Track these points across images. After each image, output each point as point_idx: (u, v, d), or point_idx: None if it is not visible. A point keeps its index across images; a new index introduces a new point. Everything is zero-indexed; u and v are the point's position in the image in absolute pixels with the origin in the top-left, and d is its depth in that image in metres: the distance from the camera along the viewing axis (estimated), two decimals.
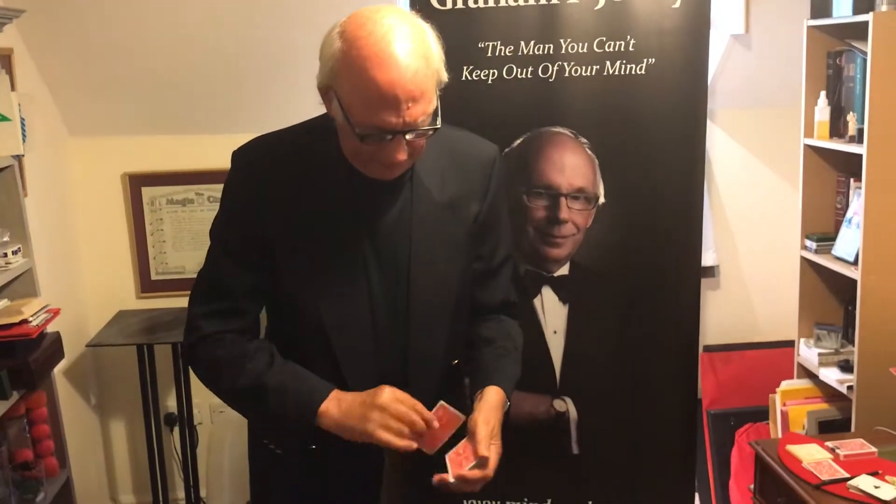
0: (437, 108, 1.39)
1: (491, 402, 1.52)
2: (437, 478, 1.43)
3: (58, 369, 2.87)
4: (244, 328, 1.51)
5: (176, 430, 3.18)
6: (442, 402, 1.47)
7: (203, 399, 3.26)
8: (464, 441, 1.48)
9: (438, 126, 1.40)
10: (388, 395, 1.43)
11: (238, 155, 1.52)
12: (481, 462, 1.45)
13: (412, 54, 1.33)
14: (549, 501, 2.91)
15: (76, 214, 3.19)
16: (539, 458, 2.85)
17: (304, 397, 1.45)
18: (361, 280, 1.50)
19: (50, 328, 2.34)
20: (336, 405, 1.44)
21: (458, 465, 1.44)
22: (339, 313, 1.49)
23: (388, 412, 1.42)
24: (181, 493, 3.24)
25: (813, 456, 2.12)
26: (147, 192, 3.21)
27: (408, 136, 1.37)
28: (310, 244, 1.47)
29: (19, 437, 2.06)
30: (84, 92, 3.02)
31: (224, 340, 1.49)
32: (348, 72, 1.33)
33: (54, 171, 3.05)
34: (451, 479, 1.42)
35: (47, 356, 2.04)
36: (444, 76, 1.41)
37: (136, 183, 3.20)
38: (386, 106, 1.32)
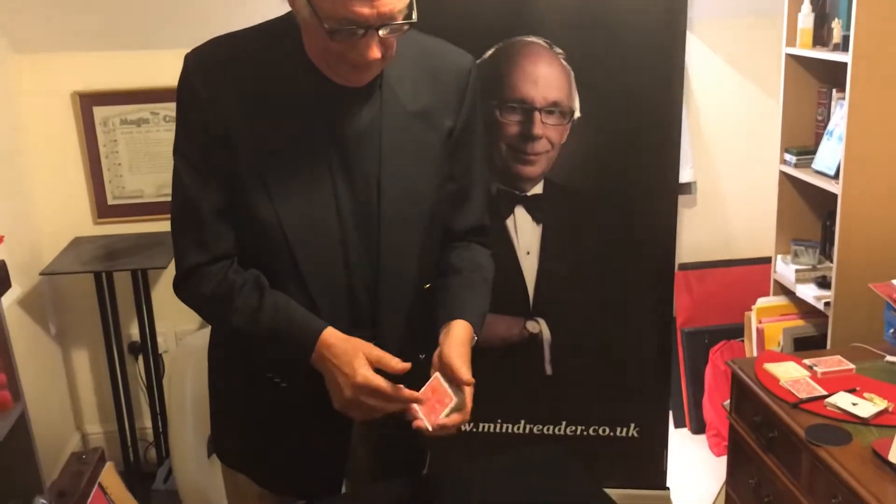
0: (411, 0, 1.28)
1: (459, 338, 1.43)
2: (415, 425, 1.34)
3: (10, 299, 2.77)
4: (224, 253, 1.42)
5: (141, 358, 3.09)
6: (437, 375, 1.39)
7: (168, 327, 3.17)
8: (433, 381, 1.38)
9: (414, 20, 1.29)
10: (361, 383, 1.34)
11: (193, 57, 1.39)
12: (459, 404, 1.36)
13: None
14: (522, 422, 2.89)
15: (24, 137, 3.02)
16: (512, 380, 2.81)
17: (296, 342, 1.39)
18: (328, 192, 1.39)
19: None
20: (327, 351, 1.37)
21: (433, 411, 1.35)
22: (303, 227, 1.39)
23: (363, 401, 1.35)
24: (148, 422, 3.18)
25: (790, 374, 2.08)
26: (99, 112, 3.04)
27: (381, 32, 1.26)
28: (272, 154, 1.37)
29: None
30: (29, 4, 2.82)
31: (207, 274, 1.41)
32: None
33: None
34: (430, 429, 1.33)
35: None
36: None
37: (88, 102, 3.03)
38: None
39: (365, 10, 1.23)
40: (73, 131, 3.05)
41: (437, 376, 1.38)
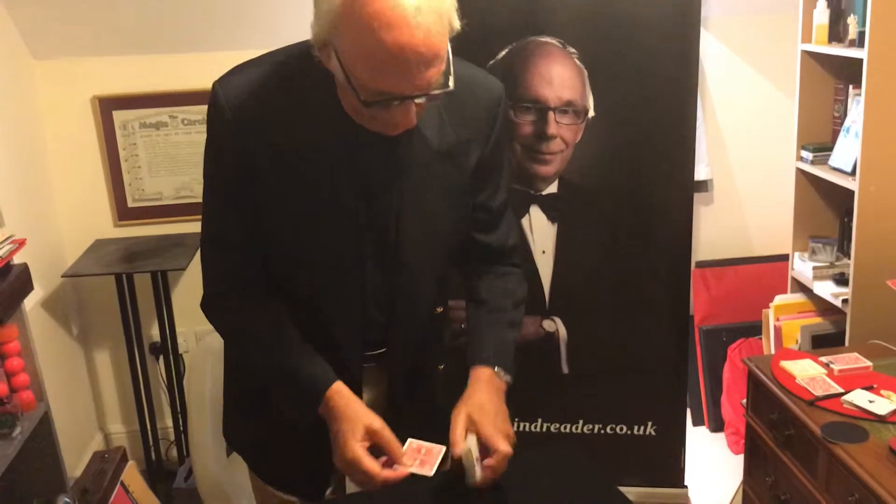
0: (448, 64, 1.23)
1: (486, 400, 1.43)
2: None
3: (34, 301, 2.82)
4: (247, 281, 1.44)
5: (161, 358, 3.13)
6: (410, 440, 1.38)
7: (188, 327, 3.21)
8: (435, 448, 1.39)
9: (451, 88, 1.25)
10: (349, 460, 1.32)
11: (221, 89, 1.36)
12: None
13: (424, 10, 1.15)
14: (539, 420, 2.90)
15: (45, 142, 3.06)
16: (528, 379, 2.78)
17: (303, 392, 1.39)
18: (349, 225, 1.40)
19: (20, 259, 2.26)
20: (329, 412, 1.37)
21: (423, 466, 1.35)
22: (322, 259, 1.40)
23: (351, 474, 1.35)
24: (169, 422, 3.22)
25: (807, 372, 2.07)
26: (118, 116, 3.08)
27: (417, 101, 1.24)
28: (296, 188, 1.36)
29: None
30: (46, 11, 2.86)
31: (228, 304, 1.44)
32: (351, 31, 1.16)
33: (18, 98, 2.92)
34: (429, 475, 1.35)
35: (14, 288, 1.96)
36: (457, 24, 1.23)
37: (107, 106, 3.07)
38: (395, 72, 1.17)
39: (402, 85, 1.19)
40: (92, 135, 3.09)
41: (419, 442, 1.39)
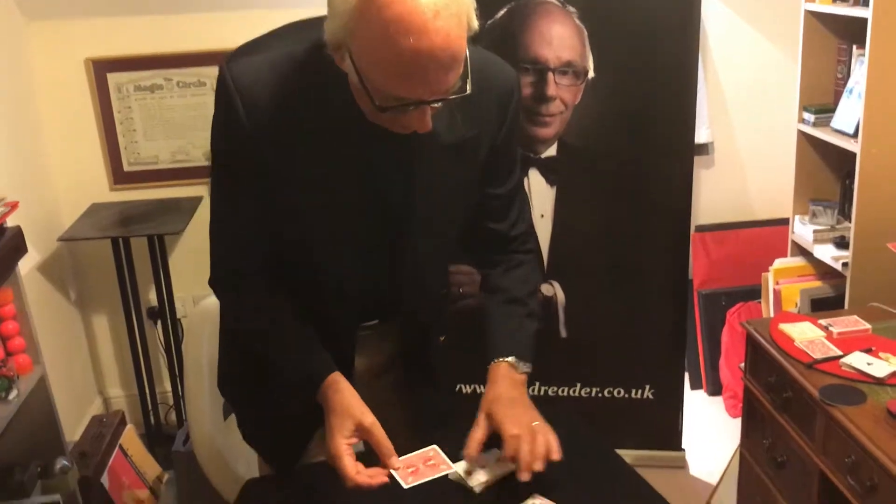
0: (466, 67, 1.18)
1: (508, 396, 1.42)
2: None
3: (30, 265, 2.80)
4: (253, 268, 1.42)
5: (160, 323, 3.12)
6: (435, 447, 1.39)
7: (185, 292, 3.19)
8: (430, 451, 1.39)
9: (468, 92, 1.21)
10: (331, 453, 1.30)
11: (231, 72, 1.30)
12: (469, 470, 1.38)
13: (443, 14, 1.10)
14: (537, 384, 2.90)
15: (38, 105, 3.03)
16: None
17: (301, 380, 1.39)
18: (356, 216, 1.38)
19: (15, 222, 2.24)
20: (325, 402, 1.36)
21: (415, 474, 1.33)
22: (329, 247, 1.40)
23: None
24: (168, 386, 3.22)
25: (805, 334, 2.06)
26: (113, 79, 3.04)
27: (434, 105, 1.20)
28: (305, 178, 1.34)
29: None
30: None
31: (232, 289, 1.45)
32: (366, 35, 1.12)
33: (11, 60, 2.87)
34: (403, 486, 1.32)
35: (7, 251, 1.94)
36: (475, 24, 1.18)
37: (101, 69, 3.03)
38: (412, 79, 1.14)
39: (420, 92, 1.16)
40: (87, 98, 3.05)
41: (435, 448, 1.38)
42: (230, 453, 2.00)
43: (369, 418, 1.31)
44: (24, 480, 2.08)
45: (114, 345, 3.31)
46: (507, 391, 1.42)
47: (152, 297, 3.14)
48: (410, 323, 1.54)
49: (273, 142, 1.30)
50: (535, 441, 1.34)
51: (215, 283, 1.47)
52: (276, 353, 1.43)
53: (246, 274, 1.43)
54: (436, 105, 1.20)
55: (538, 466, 1.31)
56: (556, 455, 1.34)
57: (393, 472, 1.30)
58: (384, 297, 1.48)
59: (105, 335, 3.31)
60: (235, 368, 1.64)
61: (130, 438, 2.68)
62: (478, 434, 1.38)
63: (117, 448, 2.58)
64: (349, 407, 1.32)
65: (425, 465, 1.34)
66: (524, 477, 1.32)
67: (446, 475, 1.42)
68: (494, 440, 1.39)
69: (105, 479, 2.43)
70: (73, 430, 2.84)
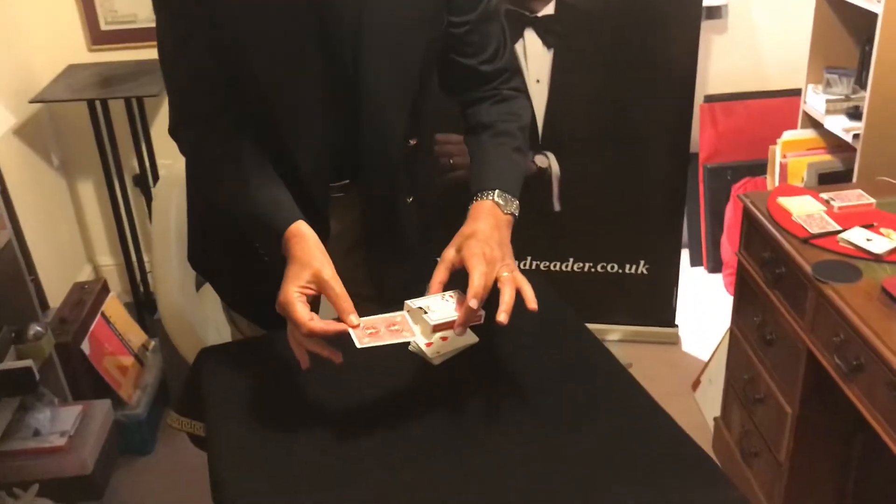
0: None
1: (483, 227, 1.26)
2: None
3: (5, 128, 2.71)
4: (207, 111, 1.30)
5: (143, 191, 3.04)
6: (405, 313, 1.21)
7: (170, 158, 3.09)
8: (398, 315, 1.22)
9: None
10: (281, 302, 1.18)
11: None
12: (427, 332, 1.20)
13: None
14: (528, 258, 2.82)
15: None
16: (519, 217, 2.71)
17: (265, 234, 1.28)
18: (304, 41, 1.26)
19: None
20: (287, 253, 1.24)
21: (374, 336, 1.18)
22: (279, 75, 1.28)
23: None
24: None
25: (804, 208, 1.95)
26: None
27: None
28: (248, 11, 1.22)
29: None
30: None
31: (189, 136, 1.32)
32: None
33: None
34: (356, 345, 1.16)
35: None
36: None
37: None
38: None
39: None
40: None
41: (404, 315, 1.22)
42: (199, 321, 1.95)
43: (329, 271, 1.19)
44: None
45: (101, 212, 3.25)
46: (487, 229, 1.26)
47: (136, 164, 3.05)
48: (376, 177, 1.41)
49: None
50: (505, 284, 1.20)
51: (174, 129, 1.35)
52: (239, 205, 1.30)
53: (205, 117, 1.31)
54: None
55: (502, 318, 1.16)
56: (531, 303, 1.18)
57: (350, 330, 1.17)
58: (347, 144, 1.36)
59: (91, 202, 3.24)
60: (204, 239, 1.56)
61: (114, 306, 2.65)
62: (441, 272, 1.23)
63: (99, 315, 2.55)
64: (310, 257, 1.21)
65: (387, 328, 1.23)
66: (501, 320, 1.16)
67: (407, 343, 1.35)
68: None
69: (86, 346, 2.41)
70: (60, 297, 2.81)
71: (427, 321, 1.18)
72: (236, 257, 1.48)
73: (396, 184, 1.46)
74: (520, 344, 1.38)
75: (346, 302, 1.17)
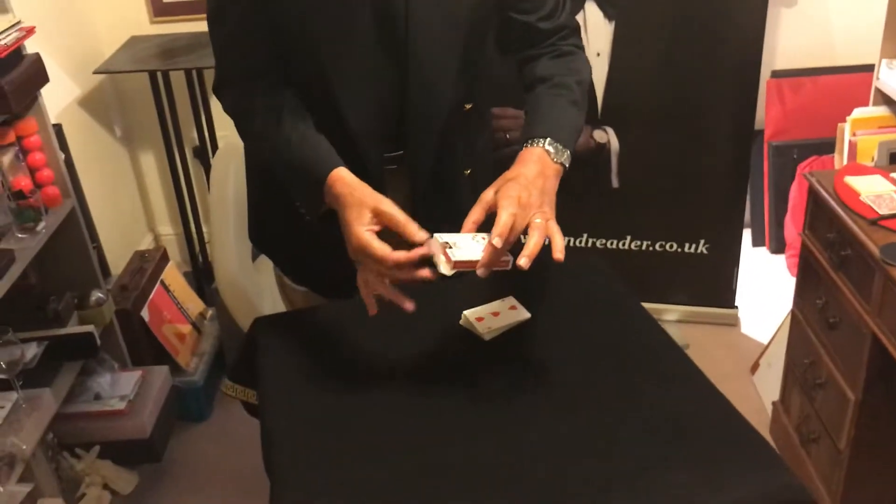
0: None
1: (527, 172, 1.22)
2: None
3: (69, 98, 2.76)
4: (253, 70, 1.31)
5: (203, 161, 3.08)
6: (437, 235, 1.16)
7: (229, 130, 3.11)
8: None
9: None
10: (356, 246, 1.18)
11: None
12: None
13: None
14: (585, 236, 2.79)
15: None
16: (576, 193, 2.68)
17: (308, 183, 1.27)
18: (353, 12, 1.26)
19: (49, 53, 2.17)
20: (335, 200, 1.23)
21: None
22: (330, 38, 1.28)
23: (367, 265, 1.19)
24: None
25: (873, 188, 1.87)
26: None
27: None
28: None
29: (14, 167, 1.96)
30: None
31: (234, 92, 1.33)
32: None
33: None
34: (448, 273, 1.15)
35: (25, 78, 1.87)
36: None
37: None
38: None
39: None
40: None
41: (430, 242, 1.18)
42: (255, 292, 1.97)
43: (386, 203, 1.18)
44: (59, 310, 2.10)
45: (161, 182, 3.30)
46: (531, 174, 1.22)
47: (196, 136, 3.08)
48: (428, 143, 1.39)
49: None
50: (534, 230, 1.16)
51: (218, 87, 1.36)
52: (281, 157, 1.29)
53: (248, 75, 1.32)
54: None
55: (523, 262, 1.12)
56: (558, 253, 1.14)
57: (439, 260, 1.14)
58: (398, 106, 1.34)
59: (153, 173, 3.30)
60: (263, 212, 1.57)
61: (172, 274, 2.70)
62: (476, 211, 1.19)
63: (158, 283, 2.59)
64: (361, 195, 1.20)
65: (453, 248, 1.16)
66: (521, 264, 1.12)
67: (459, 321, 1.34)
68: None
69: (145, 313, 2.46)
70: (122, 264, 2.87)
71: (449, 256, 1.13)
72: (293, 230, 1.48)
73: (452, 153, 1.44)
74: (573, 322, 1.36)
75: (413, 224, 1.17)
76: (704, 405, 1.15)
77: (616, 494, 1.01)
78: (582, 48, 1.44)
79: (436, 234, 1.16)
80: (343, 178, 1.24)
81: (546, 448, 1.09)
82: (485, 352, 1.30)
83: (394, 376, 1.27)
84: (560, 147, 1.27)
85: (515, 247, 1.16)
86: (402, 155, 1.41)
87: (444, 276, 1.16)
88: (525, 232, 1.17)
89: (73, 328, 2.12)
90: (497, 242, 1.12)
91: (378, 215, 1.19)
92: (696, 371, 1.22)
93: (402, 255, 1.15)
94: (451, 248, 1.14)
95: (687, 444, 1.08)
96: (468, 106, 1.43)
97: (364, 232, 1.18)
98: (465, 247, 1.15)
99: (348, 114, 1.33)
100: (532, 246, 1.14)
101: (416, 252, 1.15)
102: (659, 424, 1.11)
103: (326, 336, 1.40)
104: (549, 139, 1.27)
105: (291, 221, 1.47)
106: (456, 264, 1.13)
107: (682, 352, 1.27)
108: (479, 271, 1.15)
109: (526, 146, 1.28)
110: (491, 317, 1.35)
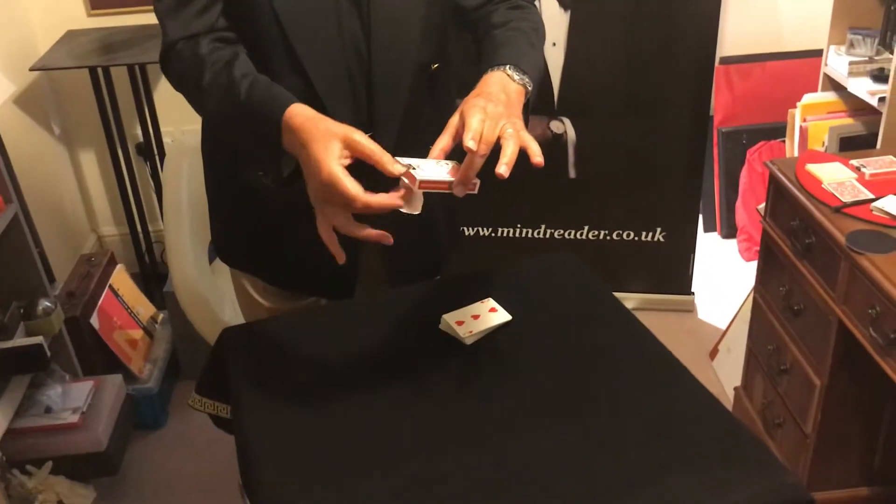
0: None
1: (490, 90, 1.16)
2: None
3: (5, 97, 2.63)
4: (204, 29, 1.23)
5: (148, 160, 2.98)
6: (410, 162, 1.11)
7: (174, 126, 3.03)
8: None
9: None
10: (326, 181, 1.08)
11: None
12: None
13: None
14: (542, 227, 2.77)
15: None
16: (533, 184, 2.66)
17: (262, 121, 1.16)
18: None
19: None
20: (295, 135, 1.12)
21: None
22: (291, 9, 1.22)
23: (332, 205, 1.10)
24: (162, 225, 3.11)
25: (835, 176, 1.89)
26: None
27: None
28: None
29: None
30: None
31: (182, 50, 1.23)
32: None
33: None
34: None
35: None
36: None
37: None
38: None
39: None
40: None
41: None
42: (214, 297, 1.91)
43: (357, 132, 1.10)
44: (4, 321, 2.00)
45: (104, 182, 3.18)
46: (494, 91, 1.16)
47: (139, 132, 2.98)
48: (394, 103, 1.31)
49: None
50: (508, 139, 1.09)
51: (164, 57, 1.26)
52: (229, 111, 1.19)
53: (198, 33, 1.23)
54: None
55: (502, 170, 1.06)
56: (536, 157, 1.10)
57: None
58: (359, 63, 1.28)
59: (94, 172, 3.17)
60: (227, 215, 1.50)
61: (121, 278, 2.60)
62: (444, 138, 1.13)
63: (107, 288, 2.50)
64: (328, 127, 1.10)
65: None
66: (500, 172, 1.06)
67: (438, 325, 1.31)
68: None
69: (95, 320, 2.36)
70: (65, 269, 2.75)
71: (414, 176, 1.07)
72: (259, 227, 1.43)
73: (419, 116, 1.35)
74: (554, 322, 1.34)
75: (387, 154, 1.09)
76: (696, 406, 1.14)
77: (614, 499, 0.99)
78: (536, 9, 1.41)
79: (397, 158, 1.09)
80: (302, 111, 1.13)
81: (539, 455, 1.07)
82: (467, 357, 1.27)
83: (374, 387, 1.23)
84: (522, 72, 1.22)
85: (483, 170, 1.11)
86: (372, 136, 1.35)
87: (412, 214, 1.10)
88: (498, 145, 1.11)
89: (21, 340, 2.02)
90: (472, 145, 1.07)
91: (349, 146, 1.09)
92: (683, 370, 1.21)
93: (375, 199, 1.07)
94: (414, 169, 1.08)
95: (682, 447, 1.06)
96: (435, 65, 1.37)
97: (335, 166, 1.07)
98: (430, 169, 1.09)
99: (318, 83, 1.25)
100: (509, 154, 1.08)
101: (395, 196, 1.08)
102: (652, 427, 1.10)
103: (300, 346, 1.35)
104: (509, 66, 1.22)
105: (256, 215, 1.41)
106: (422, 184, 1.07)
107: (668, 351, 1.26)
108: (456, 190, 1.10)
109: (486, 72, 1.22)
110: (471, 320, 1.32)
